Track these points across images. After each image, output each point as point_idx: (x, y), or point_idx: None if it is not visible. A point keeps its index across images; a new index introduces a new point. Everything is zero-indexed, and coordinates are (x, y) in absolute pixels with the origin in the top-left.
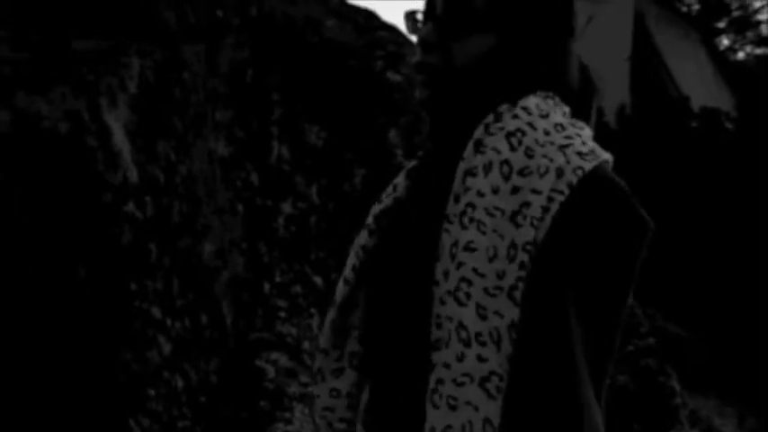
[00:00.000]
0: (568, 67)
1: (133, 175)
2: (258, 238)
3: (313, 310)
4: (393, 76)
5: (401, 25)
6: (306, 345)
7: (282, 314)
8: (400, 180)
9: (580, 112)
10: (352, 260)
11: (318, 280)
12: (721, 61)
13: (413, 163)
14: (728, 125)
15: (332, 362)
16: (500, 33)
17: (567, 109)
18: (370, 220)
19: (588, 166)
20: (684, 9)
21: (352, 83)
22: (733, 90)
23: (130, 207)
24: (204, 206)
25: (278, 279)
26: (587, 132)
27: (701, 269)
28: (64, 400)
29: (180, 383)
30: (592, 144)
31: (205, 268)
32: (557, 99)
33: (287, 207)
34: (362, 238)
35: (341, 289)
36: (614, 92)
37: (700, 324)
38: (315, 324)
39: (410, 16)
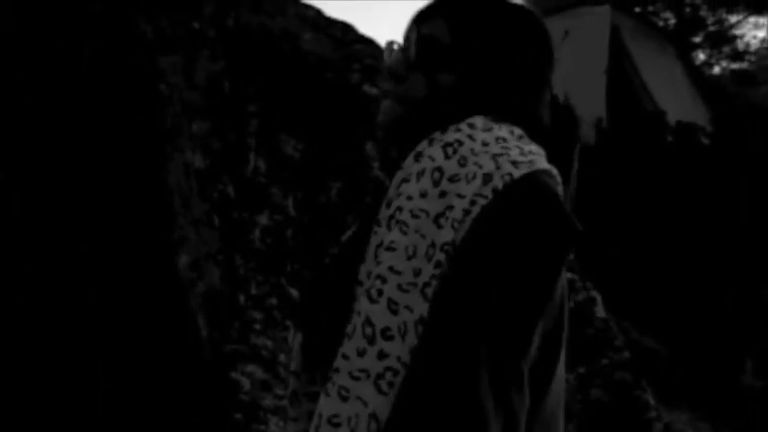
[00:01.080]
0: (537, 113)
1: None
2: (234, 250)
3: (288, 323)
4: (369, 89)
5: (378, 38)
6: (281, 357)
7: (258, 326)
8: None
9: (555, 158)
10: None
11: (294, 292)
12: (697, 76)
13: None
14: (704, 140)
15: (305, 385)
16: (461, 73)
17: (518, 131)
18: (354, 223)
19: (518, 173)
20: (661, 23)
21: (329, 95)
22: (709, 105)
23: None
24: (180, 218)
25: (254, 291)
26: (533, 148)
27: (677, 283)
28: (61, 400)
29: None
30: (534, 157)
31: (181, 280)
32: (511, 126)
33: (263, 219)
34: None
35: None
36: (591, 105)
37: (675, 338)
38: (290, 337)
39: (389, 45)
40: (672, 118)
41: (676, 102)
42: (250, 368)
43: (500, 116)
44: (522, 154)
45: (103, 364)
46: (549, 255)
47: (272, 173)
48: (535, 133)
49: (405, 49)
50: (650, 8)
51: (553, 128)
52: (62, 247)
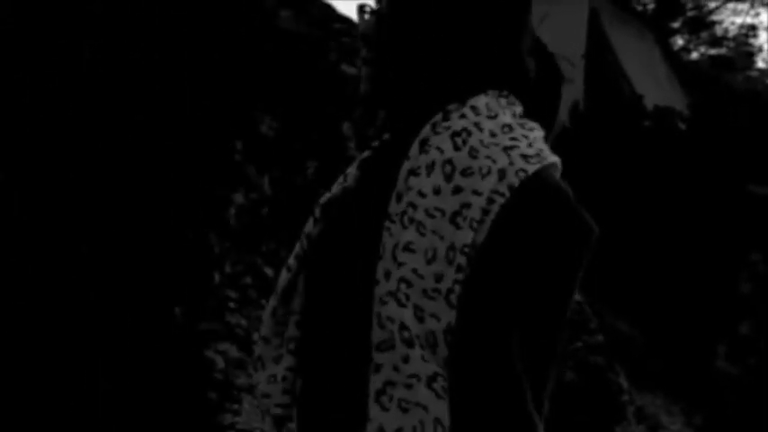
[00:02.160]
0: (522, 64)
1: None
2: (209, 229)
3: (263, 302)
4: (347, 69)
5: (357, 18)
6: (256, 336)
7: (232, 305)
8: (352, 170)
9: (540, 107)
10: (296, 249)
11: (269, 271)
12: (675, 61)
13: (366, 153)
14: (681, 125)
15: (273, 349)
16: (441, 29)
17: (518, 109)
18: (316, 208)
19: (531, 168)
20: (640, 8)
21: (306, 74)
22: (686, 90)
23: None
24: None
25: (228, 270)
26: (537, 134)
27: (652, 267)
28: (61, 399)
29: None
30: (540, 146)
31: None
32: (511, 98)
33: (239, 198)
34: (308, 226)
35: (283, 276)
36: (568, 90)
37: (648, 322)
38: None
39: (362, 9)
40: (649, 102)
41: (654, 86)
42: (224, 346)
43: (491, 82)
44: (530, 145)
45: (103, 362)
46: (569, 256)
47: (247, 151)
48: (521, 87)
49: (377, 10)
50: None
51: (538, 77)
52: (62, 247)
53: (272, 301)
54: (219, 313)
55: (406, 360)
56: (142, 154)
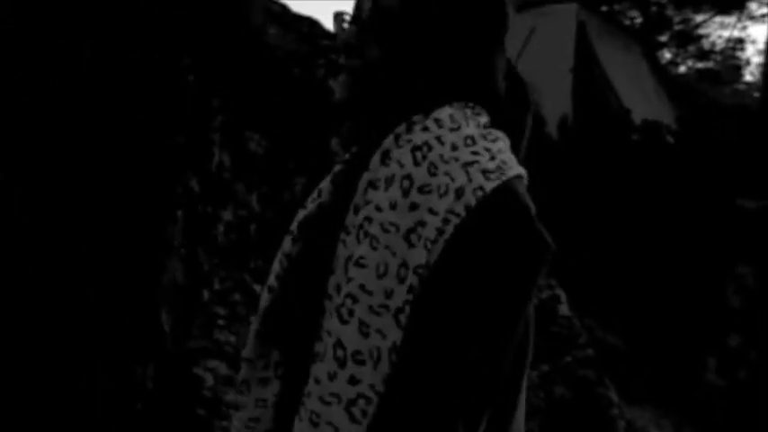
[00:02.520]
0: (492, 77)
1: None
2: (197, 246)
3: (252, 319)
4: (335, 85)
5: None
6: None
7: (221, 322)
8: (325, 185)
9: (509, 123)
10: (275, 268)
11: (258, 288)
12: (663, 74)
13: (338, 167)
14: (669, 138)
15: (258, 371)
16: (413, 39)
17: (483, 119)
18: (293, 226)
19: (490, 185)
20: (627, 22)
21: (294, 91)
22: (674, 103)
23: None
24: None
25: (217, 286)
26: (501, 144)
27: (641, 280)
28: (61, 399)
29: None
30: (503, 157)
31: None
32: (477, 108)
33: (227, 214)
34: (286, 245)
35: (264, 297)
36: (556, 103)
37: (638, 336)
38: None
39: (338, 17)
40: (637, 116)
41: (642, 100)
42: (213, 363)
43: (457, 92)
44: (492, 158)
45: (103, 363)
46: (522, 276)
47: (236, 168)
48: (491, 103)
49: (356, 19)
50: (616, 7)
51: (507, 95)
52: (62, 247)
53: (255, 323)
54: (208, 330)
55: (332, 377)
56: (142, 155)
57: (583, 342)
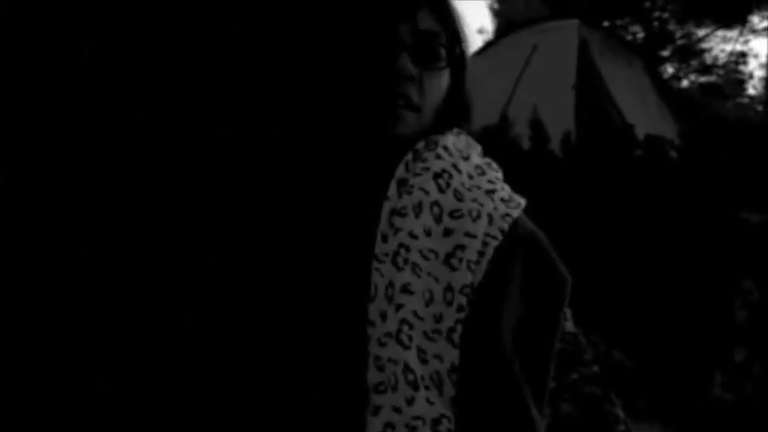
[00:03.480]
0: (467, 104)
1: None
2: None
3: None
4: None
5: None
6: None
7: None
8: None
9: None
10: None
11: None
12: (665, 89)
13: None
14: (673, 153)
15: None
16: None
17: (479, 148)
18: None
19: (514, 213)
20: (629, 38)
21: None
22: (677, 118)
23: None
24: None
25: None
26: (500, 174)
27: (645, 296)
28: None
29: None
30: (507, 188)
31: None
32: (468, 137)
33: None
34: None
35: None
36: (559, 120)
37: (644, 351)
38: None
39: None
40: (640, 132)
41: (645, 115)
42: None
43: (447, 118)
44: (503, 189)
45: (104, 364)
46: (557, 291)
47: None
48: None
49: None
50: (618, 22)
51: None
52: (62, 248)
53: None
54: None
55: (410, 402)
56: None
57: (588, 359)
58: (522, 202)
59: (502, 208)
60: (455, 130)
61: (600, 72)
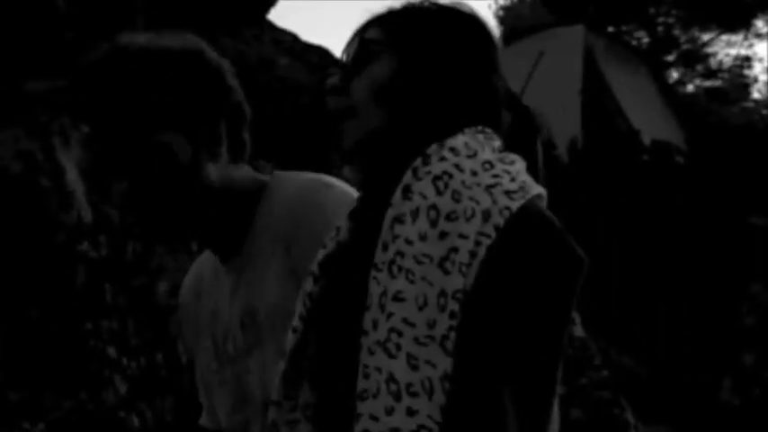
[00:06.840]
0: (494, 99)
1: (87, 215)
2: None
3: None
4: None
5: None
6: None
7: None
8: (343, 223)
9: (517, 148)
10: (299, 309)
11: None
12: (671, 94)
13: (355, 204)
14: (679, 158)
15: (285, 413)
16: (398, 60)
17: (497, 143)
18: (314, 266)
19: (515, 205)
20: (634, 43)
21: (305, 120)
22: (682, 123)
23: (85, 247)
24: (158, 245)
25: None
26: (518, 166)
27: (654, 301)
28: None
29: (136, 423)
30: (523, 178)
31: (160, 307)
32: (488, 133)
33: None
34: (308, 285)
35: (290, 338)
36: (566, 126)
37: (653, 356)
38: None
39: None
40: (646, 137)
41: (650, 121)
42: None
43: (466, 119)
44: (513, 180)
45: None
46: (561, 289)
47: None
48: (498, 123)
49: (344, 64)
50: (623, 28)
51: (513, 130)
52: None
53: (281, 365)
54: None
55: (389, 412)
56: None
57: (598, 363)
58: (535, 191)
59: (502, 201)
60: (471, 128)
61: (605, 78)
